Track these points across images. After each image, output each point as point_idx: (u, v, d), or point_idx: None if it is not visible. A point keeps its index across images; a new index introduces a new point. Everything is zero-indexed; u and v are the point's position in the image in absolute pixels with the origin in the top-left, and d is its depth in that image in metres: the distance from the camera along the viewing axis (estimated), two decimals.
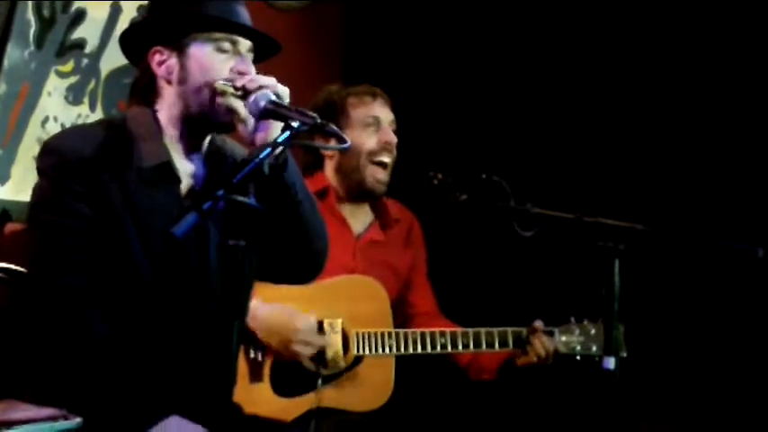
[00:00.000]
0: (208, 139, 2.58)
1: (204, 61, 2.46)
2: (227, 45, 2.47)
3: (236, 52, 2.49)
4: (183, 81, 2.48)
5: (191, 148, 2.54)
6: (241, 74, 2.46)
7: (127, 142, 2.47)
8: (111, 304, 2.41)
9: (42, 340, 2.38)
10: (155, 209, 2.43)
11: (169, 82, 2.49)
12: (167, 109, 2.51)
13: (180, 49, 2.48)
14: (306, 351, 3.18)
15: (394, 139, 3.44)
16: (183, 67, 2.48)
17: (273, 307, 3.16)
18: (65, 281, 2.37)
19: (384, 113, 3.46)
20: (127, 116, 2.54)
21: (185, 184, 2.51)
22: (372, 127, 3.44)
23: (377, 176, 3.43)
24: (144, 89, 2.53)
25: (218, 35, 2.47)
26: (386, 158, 3.43)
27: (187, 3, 2.48)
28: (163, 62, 2.49)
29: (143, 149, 2.46)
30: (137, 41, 2.55)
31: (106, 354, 2.36)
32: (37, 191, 2.46)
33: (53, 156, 2.43)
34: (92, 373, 2.35)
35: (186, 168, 2.53)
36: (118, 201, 2.41)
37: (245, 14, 2.54)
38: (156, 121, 2.51)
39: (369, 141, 3.42)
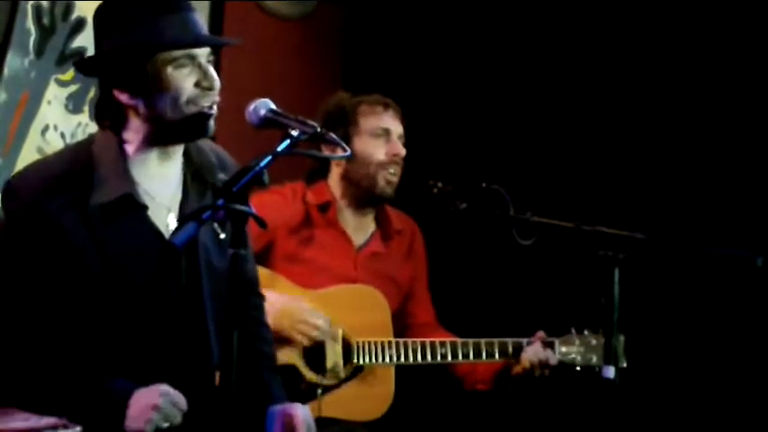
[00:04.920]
0: (181, 152, 2.53)
1: (166, 83, 2.40)
2: (186, 61, 2.41)
3: (196, 63, 2.43)
4: (149, 105, 2.42)
5: (162, 165, 2.50)
6: (206, 89, 2.42)
7: (89, 173, 2.42)
8: (89, 337, 2.40)
9: (13, 377, 2.38)
10: (121, 240, 2.40)
11: (135, 108, 2.44)
12: (135, 132, 2.45)
13: (139, 75, 2.41)
14: (313, 333, 3.21)
15: (402, 151, 3.43)
16: (145, 92, 2.42)
17: (283, 295, 3.18)
18: (25, 328, 2.36)
19: (394, 125, 3.45)
20: (94, 143, 2.49)
21: (157, 205, 2.47)
22: (382, 138, 3.43)
23: (387, 178, 3.41)
24: (109, 115, 2.47)
25: (175, 54, 2.41)
26: (394, 170, 3.43)
27: (137, 28, 2.40)
28: (124, 90, 2.43)
29: (104, 181, 2.41)
30: (95, 68, 2.51)
31: (77, 377, 2.36)
32: (1, 232, 2.45)
33: (11, 199, 2.42)
34: (67, 395, 2.35)
35: (158, 188, 2.49)
36: (81, 237, 2.38)
37: (195, 21, 2.46)
38: (122, 148, 2.46)
39: (378, 152, 3.41)
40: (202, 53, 2.44)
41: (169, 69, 2.40)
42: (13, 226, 2.40)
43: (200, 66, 2.43)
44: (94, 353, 2.40)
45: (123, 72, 2.42)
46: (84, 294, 2.39)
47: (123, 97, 2.43)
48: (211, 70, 2.45)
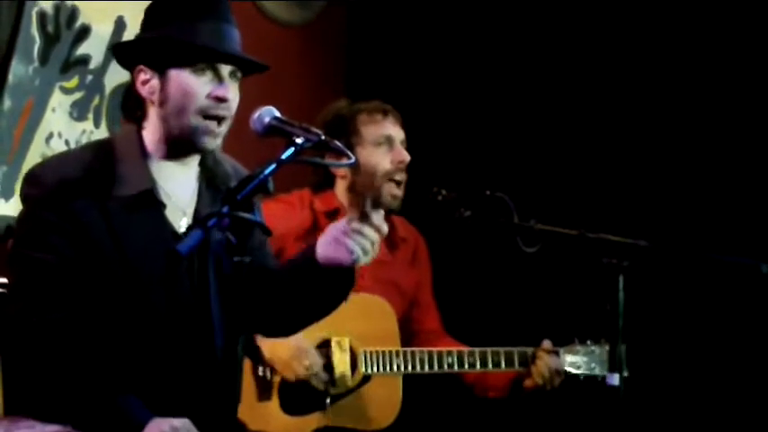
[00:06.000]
0: (197, 159, 2.54)
1: (183, 84, 2.42)
2: (206, 67, 2.42)
3: (217, 75, 2.44)
4: (163, 103, 2.44)
5: (179, 168, 2.51)
6: (218, 100, 2.42)
7: (111, 168, 2.44)
8: (102, 332, 2.39)
9: (28, 372, 2.37)
10: (138, 236, 2.41)
11: (152, 102, 2.46)
12: (152, 129, 2.48)
13: (161, 69, 2.44)
14: (301, 371, 3.18)
15: (407, 157, 3.42)
16: (163, 88, 2.44)
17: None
18: (42, 318, 2.35)
19: (396, 131, 3.44)
20: (115, 137, 2.53)
21: (174, 205, 2.49)
22: (385, 146, 3.41)
23: (393, 193, 3.41)
24: (132, 107, 2.51)
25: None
26: (400, 177, 3.42)
27: (172, 26, 2.43)
28: (146, 82, 2.46)
29: (125, 176, 2.43)
30: (126, 57, 2.54)
31: (92, 382, 2.36)
32: (19, 222, 2.46)
33: (33, 187, 2.43)
34: (83, 404, 2.34)
35: (174, 189, 2.50)
36: (99, 230, 2.39)
37: (230, 35, 2.47)
38: (141, 141, 2.48)
39: (383, 161, 3.40)
40: (226, 65, 2.45)
41: (188, 71, 2.42)
42: (32, 213, 2.41)
43: (219, 77, 2.44)
44: (103, 346, 2.39)
45: (149, 61, 2.45)
46: (98, 287, 2.39)
47: (144, 90, 2.46)
48: (231, 84, 2.45)
